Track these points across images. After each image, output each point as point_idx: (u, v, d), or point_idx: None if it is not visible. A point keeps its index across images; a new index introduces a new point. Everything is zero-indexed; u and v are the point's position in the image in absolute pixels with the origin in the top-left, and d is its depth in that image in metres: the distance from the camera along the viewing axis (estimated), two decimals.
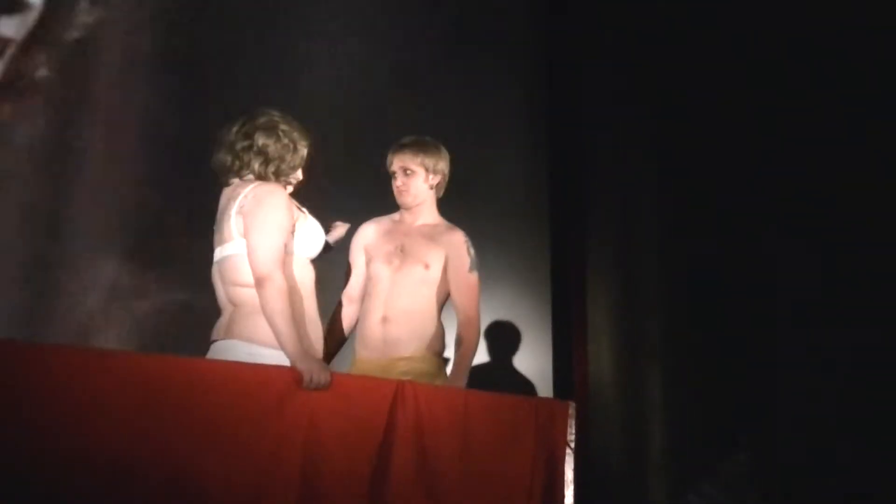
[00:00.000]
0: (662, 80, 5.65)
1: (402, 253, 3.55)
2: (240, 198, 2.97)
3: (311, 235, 3.10)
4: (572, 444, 3.28)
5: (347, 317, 3.63)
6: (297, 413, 2.69)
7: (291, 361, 2.78)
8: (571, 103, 5.72)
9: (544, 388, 5.23)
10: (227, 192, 3.07)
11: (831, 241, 4.99)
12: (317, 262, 3.15)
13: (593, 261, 5.56)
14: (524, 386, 5.16)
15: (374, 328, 3.51)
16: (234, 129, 3.08)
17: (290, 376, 2.71)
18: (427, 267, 3.52)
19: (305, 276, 3.05)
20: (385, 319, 3.49)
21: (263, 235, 2.91)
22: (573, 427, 3.31)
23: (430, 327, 3.52)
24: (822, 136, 5.03)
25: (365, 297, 3.60)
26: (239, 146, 3.05)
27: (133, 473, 2.43)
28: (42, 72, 4.39)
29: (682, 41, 5.56)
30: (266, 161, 3.05)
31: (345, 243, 3.70)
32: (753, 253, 5.34)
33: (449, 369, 3.57)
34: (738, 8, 5.36)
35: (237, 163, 3.05)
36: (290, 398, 2.68)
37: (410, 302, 3.50)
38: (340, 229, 3.70)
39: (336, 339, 3.62)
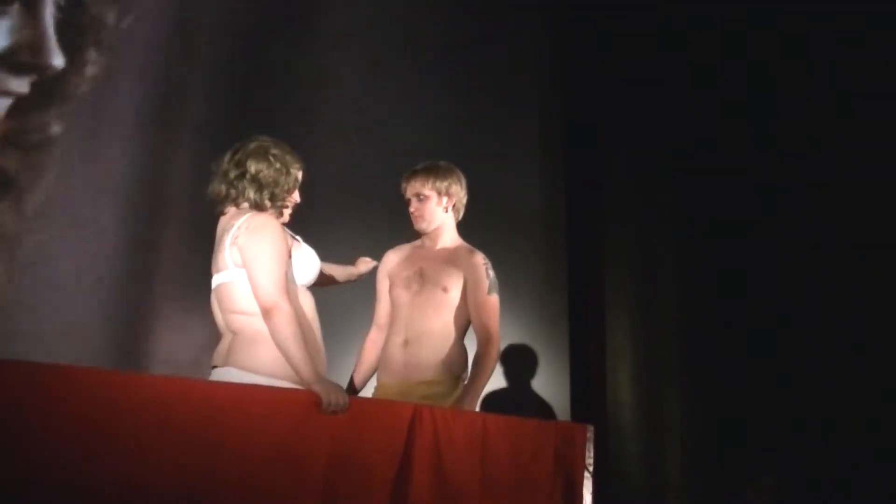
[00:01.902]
0: (681, 102, 5.65)
1: (422, 277, 3.59)
2: (233, 229, 2.99)
3: (305, 263, 3.12)
4: (591, 468, 3.27)
5: (377, 344, 3.67)
6: (316, 436, 2.69)
7: (307, 385, 2.79)
8: (587, 123, 5.73)
9: (562, 411, 5.21)
10: (223, 220, 3.10)
11: (857, 263, 4.96)
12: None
13: (611, 283, 5.55)
14: (542, 409, 5.14)
15: (395, 352, 3.54)
16: (226, 158, 3.12)
17: (309, 399, 2.71)
18: (446, 290, 3.55)
19: (305, 304, 3.07)
20: (406, 343, 3.53)
21: (264, 266, 2.92)
22: (591, 450, 3.30)
23: (450, 350, 3.53)
24: (849, 162, 5.00)
25: (389, 322, 3.65)
26: (232, 175, 3.09)
27: (149, 496, 2.43)
28: (55, 127, 4.42)
29: (706, 65, 5.56)
30: (260, 188, 3.08)
31: (372, 276, 3.75)
32: (773, 275, 5.31)
33: None
34: (766, 26, 5.34)
35: (232, 192, 3.08)
36: (309, 422, 2.69)
37: (430, 325, 3.53)
38: (365, 265, 3.74)
39: (367, 366, 3.67)
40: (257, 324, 2.94)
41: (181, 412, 2.51)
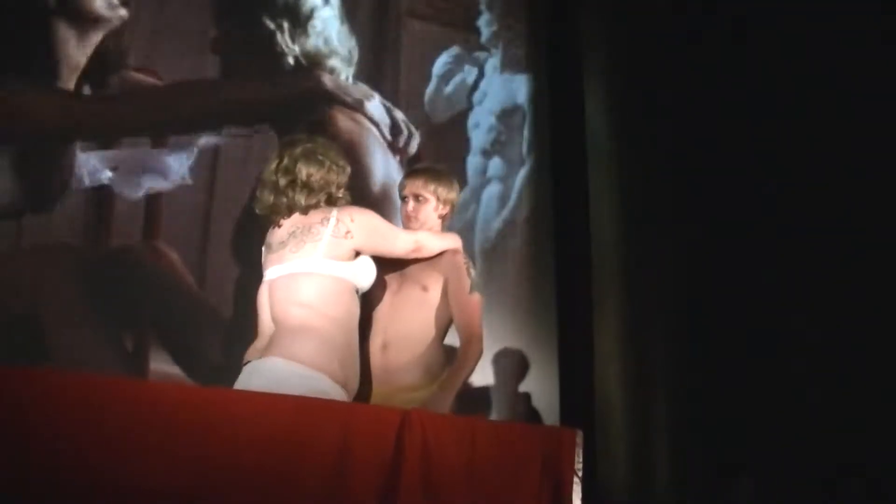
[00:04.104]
0: (677, 101, 5.67)
1: (402, 276, 3.52)
2: (332, 222, 3.07)
3: (367, 267, 3.18)
4: (580, 473, 3.27)
5: None
6: (306, 441, 2.68)
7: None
8: (575, 123, 5.76)
9: (551, 416, 5.22)
10: (290, 223, 3.12)
11: (842, 270, 4.97)
12: None
13: (599, 286, 5.56)
14: (531, 414, 5.15)
15: (374, 356, 3.46)
16: (273, 167, 3.12)
17: (298, 405, 2.72)
18: (425, 289, 3.48)
19: (354, 309, 3.14)
20: (385, 346, 3.45)
21: (391, 239, 3.26)
22: (580, 455, 3.29)
23: (430, 354, 3.46)
24: (848, 162, 5.02)
25: (366, 322, 3.55)
26: (283, 183, 3.09)
27: (144, 499, 2.45)
28: None
29: (705, 65, 5.58)
30: (311, 192, 3.10)
31: None
32: (764, 277, 5.33)
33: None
34: (765, 26, 5.36)
35: (284, 200, 3.09)
36: (298, 427, 2.68)
37: (409, 327, 3.46)
38: None
39: None
40: (309, 317, 2.99)
41: (173, 418, 2.51)
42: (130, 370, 4.56)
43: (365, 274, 3.19)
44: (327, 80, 5.27)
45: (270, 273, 3.12)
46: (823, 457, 4.79)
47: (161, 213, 4.80)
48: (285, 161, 3.10)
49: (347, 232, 3.08)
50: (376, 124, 5.34)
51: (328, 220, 3.08)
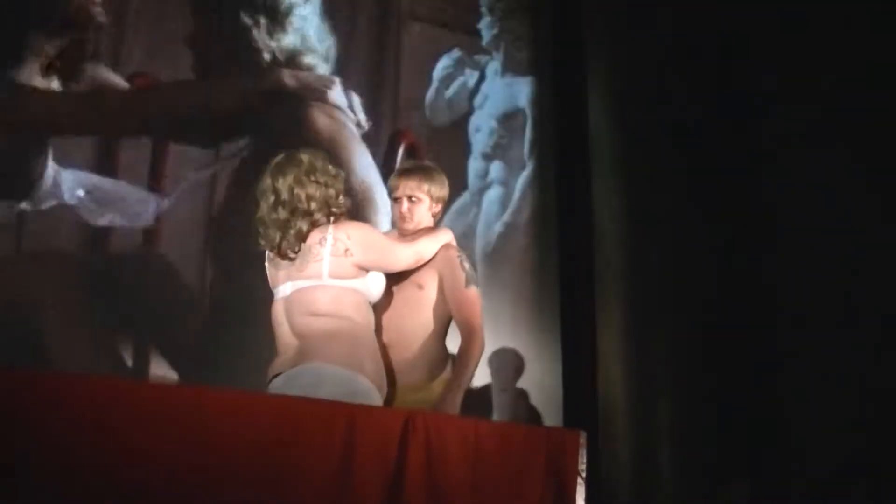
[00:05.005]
0: (676, 101, 5.69)
1: (397, 276, 3.46)
2: (329, 241, 3.09)
3: (378, 279, 3.22)
4: (583, 474, 3.28)
5: None
6: (309, 443, 2.70)
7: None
8: (576, 114, 5.77)
9: (554, 417, 5.23)
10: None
11: (842, 270, 4.98)
12: None
13: (601, 290, 5.57)
14: (533, 415, 5.16)
15: None
16: (270, 203, 3.12)
17: (301, 407, 2.73)
18: (421, 287, 3.44)
19: (370, 316, 3.19)
20: (387, 347, 3.41)
21: (391, 254, 3.26)
22: (584, 457, 3.30)
23: (432, 352, 3.44)
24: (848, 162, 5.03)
25: None
26: (284, 216, 3.10)
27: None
28: None
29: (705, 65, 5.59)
30: (312, 215, 3.12)
31: None
32: (766, 280, 5.34)
33: None
34: (766, 26, 5.37)
35: (292, 232, 3.10)
36: (301, 428, 2.69)
37: (409, 326, 3.43)
38: None
39: None
40: (333, 324, 3.04)
41: (174, 419, 2.53)
42: (131, 373, 4.58)
43: (375, 287, 3.24)
44: (287, 76, 5.19)
45: (283, 290, 3.15)
46: (823, 457, 4.80)
47: (162, 216, 4.81)
48: (283, 196, 3.10)
49: (346, 249, 3.10)
50: (343, 111, 5.29)
51: (325, 239, 3.10)
